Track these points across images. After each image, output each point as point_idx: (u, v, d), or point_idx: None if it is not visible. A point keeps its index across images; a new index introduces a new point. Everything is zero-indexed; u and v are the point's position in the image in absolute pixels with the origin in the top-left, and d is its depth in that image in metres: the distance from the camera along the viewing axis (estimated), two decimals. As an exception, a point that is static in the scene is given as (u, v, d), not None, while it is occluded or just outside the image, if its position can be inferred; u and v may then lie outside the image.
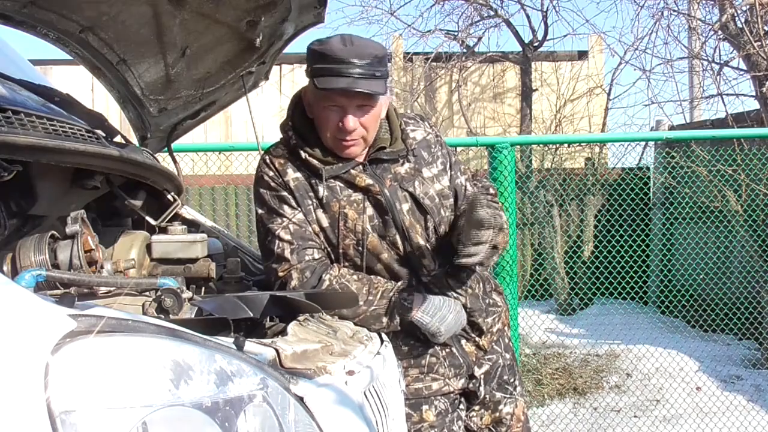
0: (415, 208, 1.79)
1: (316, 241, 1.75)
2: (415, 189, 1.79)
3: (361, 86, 1.64)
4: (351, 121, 1.69)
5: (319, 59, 1.67)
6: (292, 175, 1.77)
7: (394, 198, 1.77)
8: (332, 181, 1.76)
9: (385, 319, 1.70)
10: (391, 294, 1.71)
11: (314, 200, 1.76)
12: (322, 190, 1.75)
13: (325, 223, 1.75)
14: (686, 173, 5.26)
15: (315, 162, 1.75)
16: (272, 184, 1.77)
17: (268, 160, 1.80)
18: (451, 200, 1.85)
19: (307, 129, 1.79)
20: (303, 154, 1.75)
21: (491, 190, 1.94)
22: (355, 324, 1.67)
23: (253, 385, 1.06)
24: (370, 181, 1.76)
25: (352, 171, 1.76)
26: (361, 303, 1.68)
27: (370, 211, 1.76)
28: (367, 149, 1.79)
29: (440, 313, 1.72)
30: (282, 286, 1.73)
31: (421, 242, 1.78)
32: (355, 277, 1.73)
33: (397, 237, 1.77)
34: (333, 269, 1.73)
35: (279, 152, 1.80)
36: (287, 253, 1.72)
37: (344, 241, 1.75)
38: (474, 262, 1.65)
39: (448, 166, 1.88)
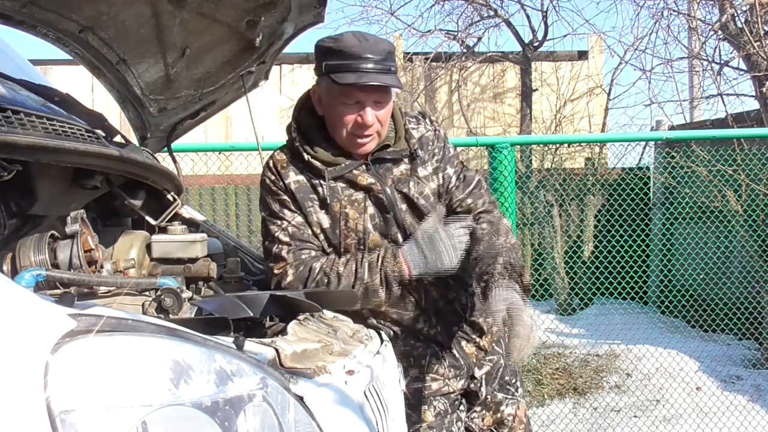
0: (411, 208, 1.78)
1: (314, 243, 1.76)
2: (409, 190, 1.78)
3: (380, 80, 1.65)
4: (370, 115, 1.70)
5: (333, 56, 1.67)
6: (294, 177, 1.77)
7: (395, 197, 1.77)
8: (334, 181, 1.76)
9: (382, 292, 1.70)
10: (379, 265, 1.70)
11: (316, 201, 1.76)
12: (323, 191, 1.75)
13: (326, 223, 1.76)
14: (686, 173, 5.26)
15: (317, 164, 1.75)
16: (273, 188, 1.78)
17: (271, 164, 1.81)
18: (445, 196, 1.84)
19: (313, 129, 1.79)
20: (306, 156, 1.76)
21: (484, 185, 1.89)
22: (358, 305, 1.68)
23: (253, 384, 1.06)
24: (371, 180, 1.76)
25: (355, 171, 1.77)
26: (354, 283, 1.69)
27: (371, 210, 1.76)
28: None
29: (431, 256, 1.68)
30: (278, 283, 1.74)
31: None
32: (342, 259, 1.73)
33: (399, 236, 1.77)
34: (323, 258, 1.74)
35: (282, 155, 1.81)
36: (284, 253, 1.74)
37: (345, 241, 1.75)
38: (526, 353, 1.51)
39: (442, 160, 1.85)
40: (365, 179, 1.76)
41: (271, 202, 1.78)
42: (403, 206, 1.78)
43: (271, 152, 1.87)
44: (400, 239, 1.77)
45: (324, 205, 1.76)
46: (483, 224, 1.76)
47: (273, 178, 1.79)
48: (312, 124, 1.80)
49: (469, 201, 1.83)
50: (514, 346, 1.48)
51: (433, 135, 1.87)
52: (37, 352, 0.88)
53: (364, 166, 1.78)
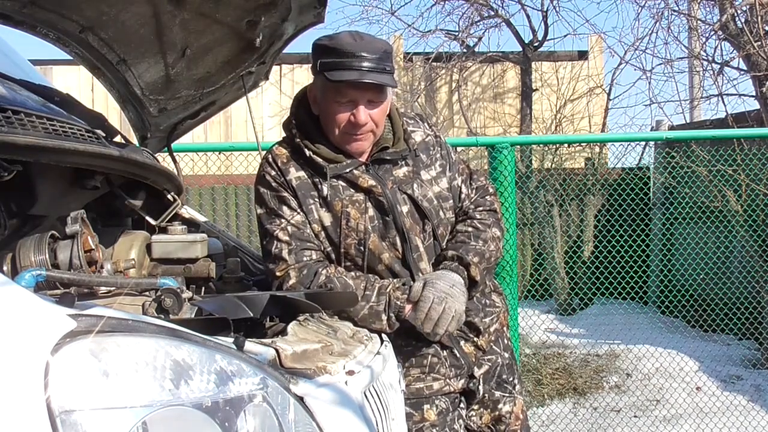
0: (414, 210, 1.78)
1: (315, 243, 1.75)
2: (413, 191, 1.78)
3: (374, 78, 1.64)
4: (363, 114, 1.69)
5: (328, 54, 1.67)
6: (295, 174, 1.76)
7: (395, 200, 1.77)
8: (335, 180, 1.75)
9: (384, 317, 1.69)
10: (388, 290, 1.70)
11: (317, 199, 1.75)
12: (325, 189, 1.74)
13: (328, 222, 1.75)
14: (686, 173, 5.25)
15: (319, 160, 1.74)
16: (273, 183, 1.76)
17: (270, 159, 1.79)
18: (451, 202, 1.85)
19: (311, 127, 1.78)
20: (307, 152, 1.75)
21: (490, 189, 1.93)
22: (357, 323, 1.67)
23: (253, 385, 1.06)
24: (372, 182, 1.76)
25: (355, 171, 1.76)
26: (359, 300, 1.67)
27: (371, 211, 1.76)
28: (371, 148, 1.79)
29: (431, 314, 1.68)
30: (279, 286, 1.72)
31: (419, 245, 1.78)
32: (352, 273, 1.73)
33: (397, 238, 1.76)
34: (330, 266, 1.73)
35: (282, 150, 1.80)
36: (285, 254, 1.72)
37: (346, 240, 1.75)
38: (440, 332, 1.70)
39: (447, 167, 1.87)
40: (366, 181, 1.75)
41: (270, 199, 1.76)
42: (404, 208, 1.77)
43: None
44: (398, 242, 1.76)
45: (325, 203, 1.75)
46: (467, 227, 1.83)
47: (274, 173, 1.77)
48: (310, 122, 1.79)
49: (472, 206, 1.88)
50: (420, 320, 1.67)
51: (434, 140, 1.88)
52: (38, 352, 0.88)
53: (364, 167, 1.78)
